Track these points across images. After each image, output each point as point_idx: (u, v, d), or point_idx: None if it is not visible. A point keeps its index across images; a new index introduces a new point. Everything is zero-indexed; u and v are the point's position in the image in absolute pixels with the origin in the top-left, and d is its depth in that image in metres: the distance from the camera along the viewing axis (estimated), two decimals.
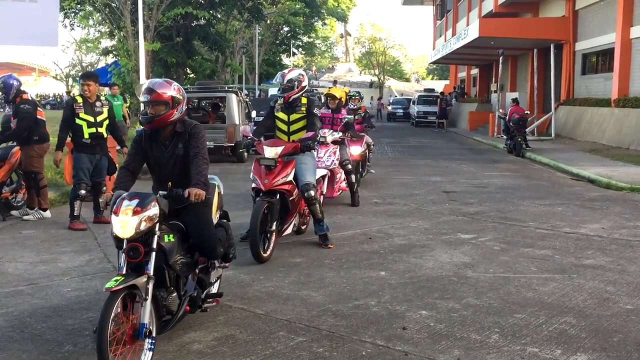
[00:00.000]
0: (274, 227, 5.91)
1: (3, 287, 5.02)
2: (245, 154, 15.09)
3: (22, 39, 1.72)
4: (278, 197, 5.99)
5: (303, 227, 6.83)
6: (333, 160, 8.30)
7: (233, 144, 14.77)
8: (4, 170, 7.73)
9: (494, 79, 31.69)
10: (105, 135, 7.48)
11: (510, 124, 17.62)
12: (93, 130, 7.30)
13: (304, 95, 6.43)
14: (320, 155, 8.13)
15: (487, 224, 7.75)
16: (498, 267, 5.71)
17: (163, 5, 23.03)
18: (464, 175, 12.71)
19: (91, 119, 7.27)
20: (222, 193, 4.50)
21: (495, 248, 6.47)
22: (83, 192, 7.25)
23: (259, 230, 5.63)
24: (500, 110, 21.38)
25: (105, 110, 7.44)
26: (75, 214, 7.23)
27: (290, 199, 6.12)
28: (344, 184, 8.84)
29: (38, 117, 7.72)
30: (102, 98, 7.68)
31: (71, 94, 41.03)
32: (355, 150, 9.64)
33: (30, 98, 7.84)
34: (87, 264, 5.78)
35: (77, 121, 7.22)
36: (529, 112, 19.75)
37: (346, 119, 9.06)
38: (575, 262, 5.93)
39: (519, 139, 17.21)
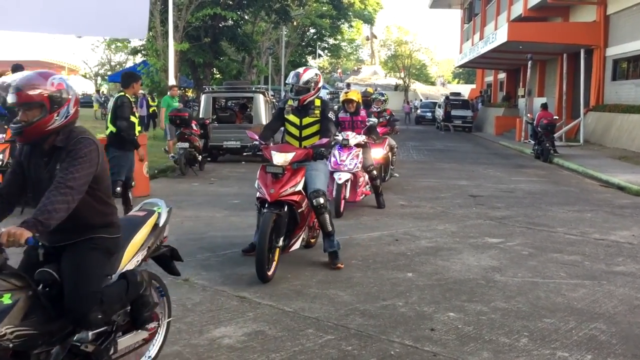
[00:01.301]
0: (281, 243, 5.27)
1: None
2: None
3: (112, 31, 1.77)
4: (286, 208, 5.33)
5: (312, 241, 6.22)
6: (356, 164, 8.12)
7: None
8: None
9: (521, 83, 31.38)
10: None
11: (538, 129, 17.44)
12: (140, 128, 7.55)
13: (317, 97, 5.91)
14: (343, 159, 8.01)
15: (514, 228, 7.70)
16: (526, 272, 5.68)
17: (192, 6, 23.28)
18: (490, 180, 12.62)
19: (137, 117, 7.51)
20: (161, 225, 3.41)
21: (524, 253, 6.43)
22: (119, 189, 7.37)
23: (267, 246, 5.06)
24: (528, 115, 21.16)
25: (138, 109, 7.64)
26: None
27: (299, 210, 5.47)
28: (366, 188, 8.67)
29: None
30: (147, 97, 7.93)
31: (100, 92, 41.73)
32: (377, 153, 9.41)
33: None
34: None
35: (132, 119, 7.36)
36: (557, 118, 19.52)
37: (370, 123, 8.83)
38: (605, 269, 5.87)
39: (547, 145, 17.03)
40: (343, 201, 8.00)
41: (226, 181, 11.58)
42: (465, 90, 48.64)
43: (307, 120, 5.82)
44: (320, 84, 5.85)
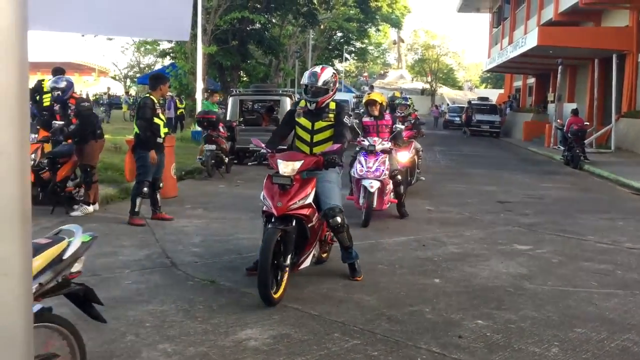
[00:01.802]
0: (288, 262, 4.74)
1: None
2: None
3: (155, 32, 1.79)
4: (294, 223, 4.80)
5: (324, 256, 5.77)
6: (383, 171, 7.73)
7: (286, 147, 14.89)
8: (68, 166, 8.05)
9: (551, 88, 30.94)
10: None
11: (569, 135, 17.16)
12: (166, 130, 7.62)
13: (332, 99, 5.35)
14: (370, 165, 7.70)
15: (544, 235, 7.57)
16: (556, 280, 5.57)
17: (221, 9, 23.48)
18: (519, 186, 12.44)
19: (164, 119, 7.59)
20: (67, 257, 2.82)
21: (554, 260, 6.31)
22: (146, 189, 7.45)
23: (271, 265, 4.54)
24: (558, 121, 20.84)
25: (166, 111, 7.72)
26: (136, 210, 7.44)
27: (309, 225, 4.93)
28: (392, 196, 8.32)
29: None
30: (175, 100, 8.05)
31: (129, 94, 42.34)
32: (403, 157, 9.12)
33: (84, 96, 8.25)
34: (145, 258, 5.94)
35: (156, 120, 7.44)
36: (588, 124, 19.19)
37: (397, 129, 8.43)
38: (638, 278, 5.73)
39: (577, 151, 16.73)
40: (371, 210, 7.71)
41: (252, 183, 11.61)
42: (493, 94, 48.09)
43: (320, 124, 5.25)
44: (337, 85, 5.38)
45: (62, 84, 8.11)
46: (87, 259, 5.74)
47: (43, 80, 10.58)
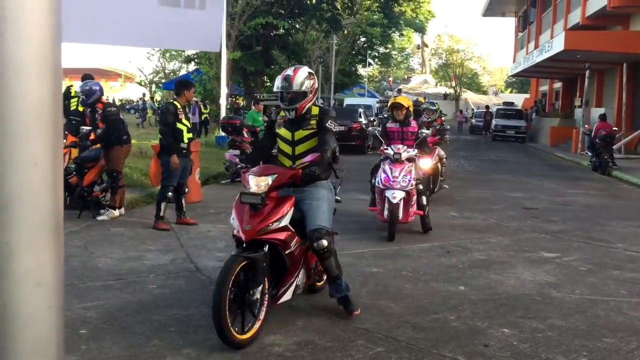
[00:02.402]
0: (257, 296, 3.96)
1: (95, 281, 5.28)
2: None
3: (187, 43, 1.82)
4: (267, 249, 4.05)
5: (319, 284, 5.04)
6: (409, 180, 7.24)
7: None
8: (95, 170, 8.16)
9: (578, 93, 30.51)
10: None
11: (596, 140, 16.89)
12: (190, 135, 7.66)
13: (314, 104, 4.63)
14: (396, 175, 7.23)
15: (571, 243, 7.44)
16: (585, 289, 5.47)
17: (245, 15, 23.67)
18: (545, 192, 12.27)
19: (188, 124, 7.65)
20: None
21: (582, 269, 6.20)
22: (170, 194, 7.52)
23: (231, 300, 3.81)
24: (586, 126, 20.53)
25: (190, 116, 7.78)
26: (161, 214, 7.51)
27: (287, 252, 4.18)
28: (416, 207, 7.68)
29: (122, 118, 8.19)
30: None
31: (154, 99, 42.83)
32: (426, 164, 8.56)
33: (111, 101, 8.34)
34: (170, 262, 5.99)
35: (179, 126, 7.50)
36: (616, 129, 18.87)
37: (423, 134, 7.83)
38: None
39: (605, 157, 16.46)
40: (396, 223, 7.20)
41: None
42: (519, 99, 47.58)
43: (301, 133, 4.52)
44: (316, 86, 4.58)
45: (87, 88, 8.24)
46: (114, 263, 5.83)
47: (71, 85, 10.76)
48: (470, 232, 7.88)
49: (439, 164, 10.11)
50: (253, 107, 14.61)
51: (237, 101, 33.22)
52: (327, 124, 4.47)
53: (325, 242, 4.25)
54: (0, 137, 0.87)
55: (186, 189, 7.83)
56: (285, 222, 4.12)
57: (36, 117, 0.88)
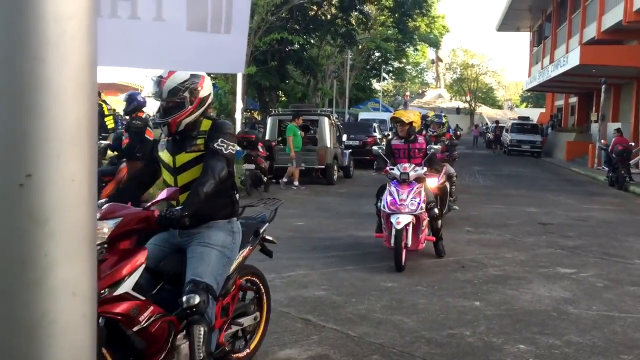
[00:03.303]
0: None
1: None
2: (335, 176, 15.27)
3: (212, 66, 1.83)
4: (102, 323, 2.76)
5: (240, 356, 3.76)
6: (419, 203, 6.49)
7: (323, 167, 15.01)
8: (111, 185, 8.25)
9: (594, 108, 30.32)
10: None
11: (613, 155, 16.77)
12: None
13: (205, 115, 3.34)
14: (403, 198, 6.47)
15: (588, 259, 7.39)
16: (602, 305, 5.43)
17: (260, 30, 23.92)
18: (561, 207, 12.18)
19: None
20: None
21: (598, 285, 6.15)
22: None
23: None
24: (602, 141, 20.39)
25: None
26: None
27: (135, 329, 2.85)
28: (428, 233, 7.09)
29: (145, 135, 8.19)
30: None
31: None
32: (432, 183, 7.75)
33: (144, 117, 8.33)
34: None
35: None
36: (633, 144, 18.71)
37: (432, 150, 7.11)
38: None
39: (622, 172, 16.32)
40: (405, 251, 6.45)
41: (290, 203, 11.68)
42: (534, 114, 47.43)
43: (183, 157, 3.28)
44: (204, 93, 3.27)
45: (127, 95, 8.33)
46: None
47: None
48: (485, 248, 7.84)
49: (447, 184, 9.18)
50: (293, 122, 14.51)
51: (255, 116, 33.51)
52: (215, 145, 3.18)
53: (196, 299, 2.97)
54: (42, 155, 0.92)
55: None
56: (125, 288, 2.81)
57: (74, 137, 0.94)
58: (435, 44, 56.96)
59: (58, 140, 0.92)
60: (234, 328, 3.69)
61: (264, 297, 4.07)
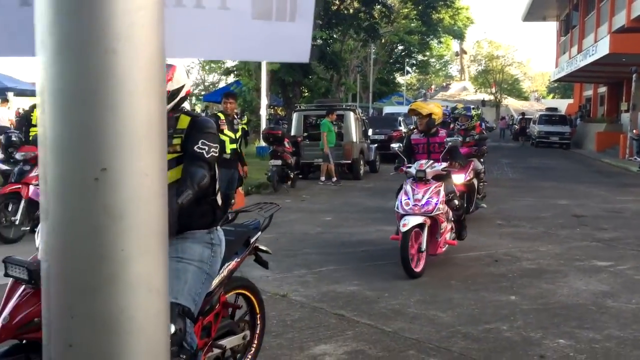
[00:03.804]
0: None
1: None
2: (361, 171, 15.19)
3: (278, 55, 1.82)
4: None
5: None
6: (435, 204, 5.91)
7: (350, 161, 14.95)
8: None
9: (624, 97, 29.68)
10: (239, 150, 7.85)
11: None
12: (234, 146, 7.67)
13: (184, 111, 2.97)
14: (418, 197, 5.95)
15: (625, 251, 7.22)
16: None
17: None
18: (594, 199, 11.94)
19: (232, 135, 7.66)
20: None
21: (637, 277, 6.00)
22: None
23: None
24: (634, 131, 19.96)
25: (240, 127, 7.82)
26: None
27: None
28: (450, 236, 6.47)
29: None
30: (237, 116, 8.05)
31: (207, 111, 43.55)
32: (458, 179, 7.34)
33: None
34: None
35: (221, 137, 7.58)
36: None
37: (450, 143, 6.42)
38: None
39: None
40: (423, 254, 5.94)
41: (317, 198, 11.68)
42: (562, 105, 46.61)
43: None
44: (174, 85, 2.89)
45: None
46: None
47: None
48: (518, 241, 7.72)
49: (474, 180, 8.71)
50: (327, 117, 14.39)
51: (278, 112, 33.57)
52: (195, 148, 2.78)
53: (172, 329, 2.60)
54: (116, 150, 0.90)
55: (233, 200, 7.90)
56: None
57: (146, 131, 0.92)
58: (459, 36, 56.32)
59: (131, 134, 0.91)
60: (216, 351, 3.21)
61: (257, 314, 3.57)
